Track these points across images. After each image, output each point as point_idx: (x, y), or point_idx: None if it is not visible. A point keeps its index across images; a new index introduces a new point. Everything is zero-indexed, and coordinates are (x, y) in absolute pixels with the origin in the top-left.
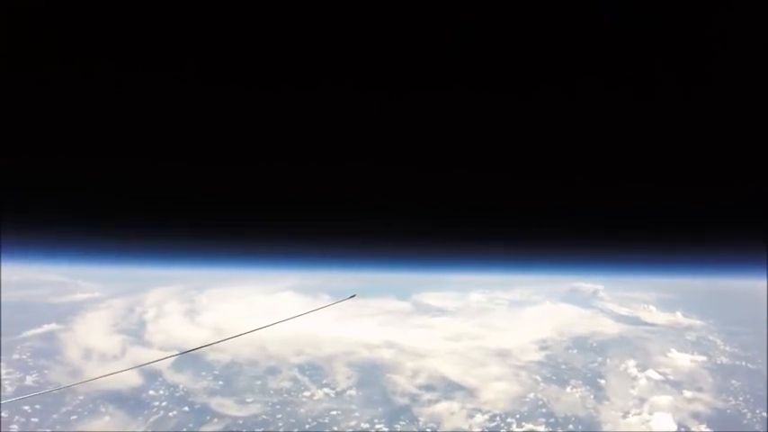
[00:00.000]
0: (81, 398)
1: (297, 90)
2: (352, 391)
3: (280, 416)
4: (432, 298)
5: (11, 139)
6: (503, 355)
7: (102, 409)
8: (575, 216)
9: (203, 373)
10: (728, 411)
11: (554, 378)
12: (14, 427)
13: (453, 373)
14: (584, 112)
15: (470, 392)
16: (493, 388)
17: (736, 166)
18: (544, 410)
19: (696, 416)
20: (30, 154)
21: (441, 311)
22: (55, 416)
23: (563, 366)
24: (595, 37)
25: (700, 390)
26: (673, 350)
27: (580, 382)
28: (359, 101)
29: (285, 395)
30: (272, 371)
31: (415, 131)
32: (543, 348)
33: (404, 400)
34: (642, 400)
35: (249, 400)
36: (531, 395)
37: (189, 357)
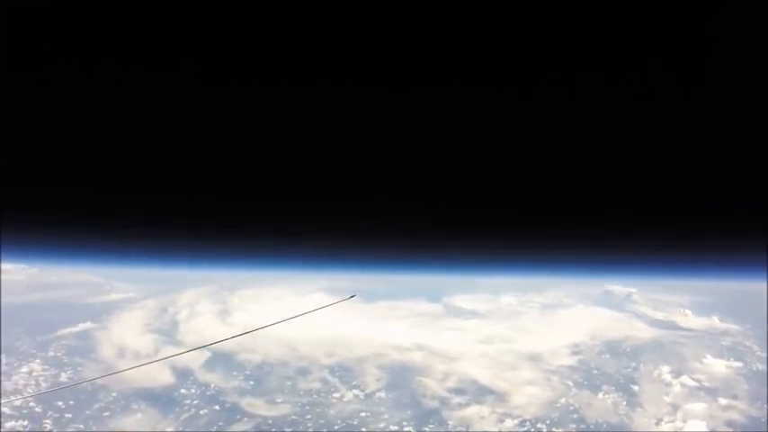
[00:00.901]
0: (114, 395)
1: (297, 90)
2: (382, 393)
3: (309, 416)
4: (463, 300)
5: (11, 139)
6: (534, 358)
7: (135, 406)
8: (574, 216)
9: (234, 373)
10: (764, 420)
11: (586, 383)
12: (47, 422)
13: (484, 376)
14: (584, 112)
15: (501, 396)
16: (524, 392)
17: (736, 166)
18: (575, 416)
19: (731, 424)
20: (29, 154)
21: (472, 314)
22: (88, 412)
23: (595, 371)
24: (595, 37)
25: (735, 397)
26: (708, 356)
27: (612, 387)
28: (359, 101)
29: (315, 396)
30: (303, 371)
31: (415, 131)
32: (575, 353)
33: (433, 403)
34: (676, 408)
35: (279, 400)
36: (563, 400)
37: (221, 357)
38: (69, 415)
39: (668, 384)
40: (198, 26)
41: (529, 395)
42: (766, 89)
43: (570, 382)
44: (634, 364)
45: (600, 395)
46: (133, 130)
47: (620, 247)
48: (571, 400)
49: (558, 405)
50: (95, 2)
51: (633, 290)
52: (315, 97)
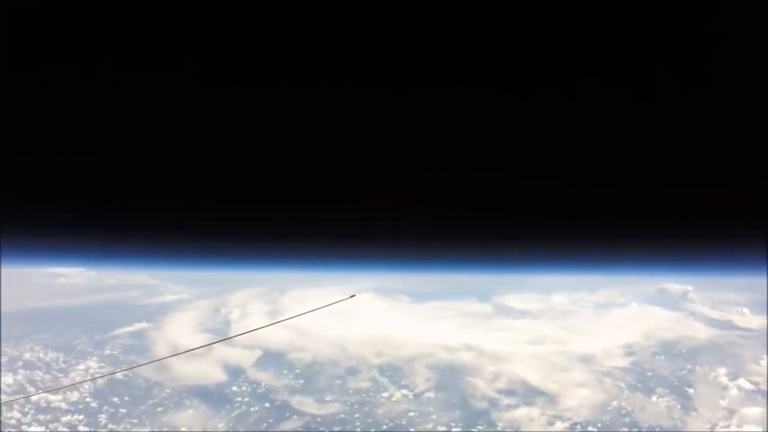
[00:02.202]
0: (167, 391)
1: (297, 90)
2: (431, 394)
3: (357, 415)
4: (513, 300)
5: (11, 139)
6: (586, 360)
7: (187, 403)
8: (574, 216)
9: (285, 372)
10: None
11: (639, 386)
12: (102, 416)
13: (534, 377)
14: (584, 112)
15: (551, 398)
16: (575, 394)
17: (736, 166)
18: (627, 420)
19: None
20: (29, 154)
21: (522, 314)
22: (142, 407)
23: (649, 373)
24: (596, 36)
25: None
26: (766, 357)
27: (666, 390)
28: (359, 101)
29: (364, 395)
30: (353, 371)
31: (416, 131)
32: (629, 354)
33: (482, 404)
34: (731, 412)
35: (328, 399)
36: (615, 403)
37: (271, 356)
38: (124, 410)
39: (725, 387)
40: (198, 26)
41: (580, 397)
42: (766, 89)
43: (623, 385)
44: (689, 366)
45: (653, 398)
46: (133, 130)
47: (619, 246)
48: (623, 403)
49: (610, 408)
50: (95, 2)
51: (689, 288)
52: (315, 97)
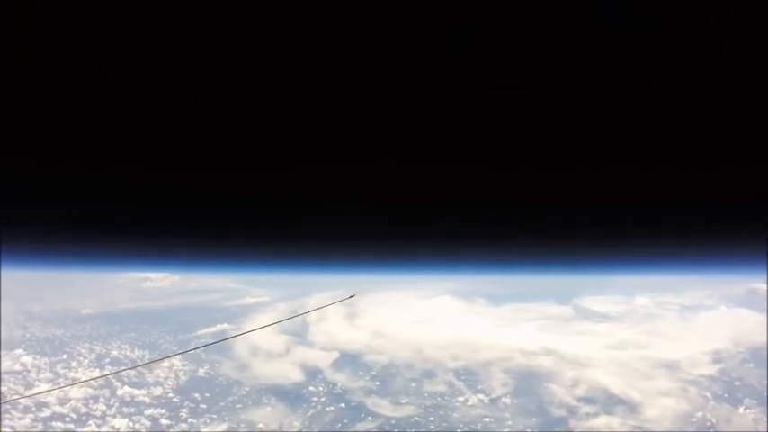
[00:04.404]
0: (246, 389)
1: (300, 94)
2: (507, 399)
3: (432, 419)
4: (594, 302)
5: (11, 141)
6: (670, 366)
7: (265, 401)
8: (575, 215)
9: (361, 373)
10: None
11: (726, 396)
12: (184, 411)
13: (615, 384)
14: (587, 112)
15: (632, 407)
16: (657, 404)
17: (736, 166)
18: None
19: None
20: (28, 158)
21: (604, 317)
22: (222, 403)
23: (737, 383)
24: (596, 36)
25: None
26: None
27: (755, 401)
28: (362, 102)
29: (439, 398)
30: (428, 374)
31: (419, 132)
32: (716, 361)
33: (560, 412)
34: None
35: (403, 401)
36: (699, 414)
37: (348, 358)
38: (204, 406)
39: None
40: (196, 32)
41: (663, 407)
42: (767, 89)
43: (709, 394)
44: None
45: (740, 409)
46: (134, 135)
47: (621, 246)
48: (708, 414)
49: (695, 419)
50: (92, 9)
51: None
52: (318, 100)
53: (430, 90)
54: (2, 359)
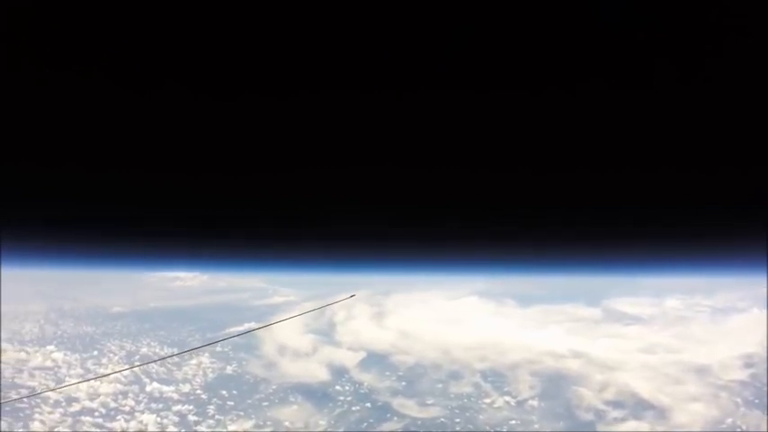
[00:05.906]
0: (273, 387)
1: (300, 94)
2: (534, 402)
3: (458, 420)
4: (624, 304)
5: (11, 141)
6: (701, 371)
7: (292, 399)
8: (575, 215)
9: (387, 373)
10: None
11: (757, 401)
12: (211, 407)
13: (644, 389)
14: (587, 112)
15: (661, 413)
16: (687, 409)
17: (736, 166)
18: None
19: None
20: (28, 158)
21: (634, 319)
22: (249, 401)
23: None
24: (596, 36)
25: None
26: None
27: None
28: (362, 102)
29: (465, 400)
30: (455, 375)
31: (419, 132)
32: (748, 365)
33: (588, 416)
34: None
35: (429, 402)
36: (729, 420)
37: (375, 357)
38: (231, 403)
39: None
40: (196, 32)
41: (693, 412)
42: (767, 89)
43: (740, 400)
44: None
45: None
46: (134, 136)
47: (621, 247)
48: (739, 421)
49: (724, 426)
50: (91, 9)
51: None
52: (319, 101)
53: (430, 90)
54: (34, 355)
